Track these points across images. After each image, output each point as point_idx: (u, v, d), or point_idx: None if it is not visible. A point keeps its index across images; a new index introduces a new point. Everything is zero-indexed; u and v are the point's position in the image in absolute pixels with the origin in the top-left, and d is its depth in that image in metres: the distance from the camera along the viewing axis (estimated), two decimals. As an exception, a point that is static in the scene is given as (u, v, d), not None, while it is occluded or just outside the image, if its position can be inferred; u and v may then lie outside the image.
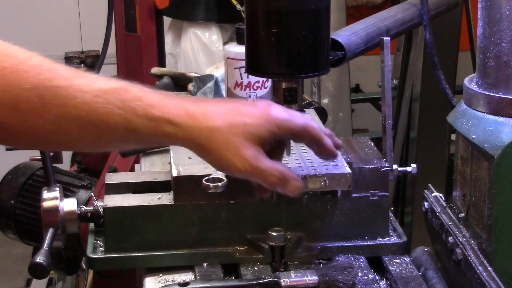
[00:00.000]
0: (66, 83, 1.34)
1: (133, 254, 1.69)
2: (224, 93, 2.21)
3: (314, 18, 1.50)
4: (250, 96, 2.06)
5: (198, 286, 1.59)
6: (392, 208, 3.42)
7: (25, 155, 3.41)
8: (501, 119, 1.48)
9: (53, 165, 1.93)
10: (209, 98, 1.44)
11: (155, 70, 2.72)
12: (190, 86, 2.54)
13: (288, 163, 1.63)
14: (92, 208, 1.74)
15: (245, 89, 2.06)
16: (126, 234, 1.69)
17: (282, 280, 1.58)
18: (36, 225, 2.81)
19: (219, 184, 1.64)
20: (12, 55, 1.33)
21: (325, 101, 3.58)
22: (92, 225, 1.78)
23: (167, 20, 3.63)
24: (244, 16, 1.58)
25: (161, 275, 1.69)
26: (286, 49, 1.50)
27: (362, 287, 1.61)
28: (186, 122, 1.39)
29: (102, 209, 1.72)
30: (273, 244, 1.68)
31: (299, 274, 1.60)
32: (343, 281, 1.58)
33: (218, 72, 2.52)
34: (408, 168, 1.79)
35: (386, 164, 1.74)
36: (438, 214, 1.65)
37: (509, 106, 1.48)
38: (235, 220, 1.70)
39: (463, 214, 1.60)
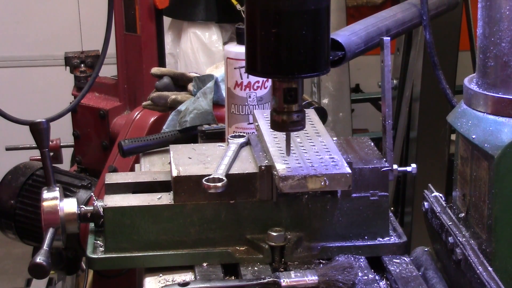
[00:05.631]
0: None
1: (133, 254, 1.69)
2: (224, 93, 2.21)
3: (314, 18, 1.50)
4: (250, 96, 2.06)
5: (198, 286, 1.59)
6: (392, 208, 3.42)
7: (25, 155, 3.42)
8: (501, 119, 1.48)
9: (53, 165, 1.93)
10: None
11: (155, 70, 2.72)
12: (190, 86, 2.54)
13: (288, 163, 1.63)
14: (92, 208, 1.75)
15: (245, 89, 2.06)
16: (126, 234, 1.69)
17: (282, 280, 1.58)
18: (36, 225, 2.81)
19: (219, 184, 1.64)
20: None
21: (325, 101, 3.58)
22: (92, 225, 1.78)
23: (167, 20, 3.63)
24: (244, 16, 1.58)
25: (161, 275, 1.69)
26: (286, 49, 1.50)
27: (362, 287, 1.61)
28: None
29: (102, 209, 1.72)
30: (273, 244, 1.68)
31: (299, 274, 1.60)
32: (343, 281, 1.58)
33: (218, 72, 2.52)
34: (408, 168, 1.79)
35: (386, 164, 1.74)
36: (438, 214, 1.65)
37: (509, 106, 1.47)
38: (235, 220, 1.70)
39: (463, 214, 1.60)
